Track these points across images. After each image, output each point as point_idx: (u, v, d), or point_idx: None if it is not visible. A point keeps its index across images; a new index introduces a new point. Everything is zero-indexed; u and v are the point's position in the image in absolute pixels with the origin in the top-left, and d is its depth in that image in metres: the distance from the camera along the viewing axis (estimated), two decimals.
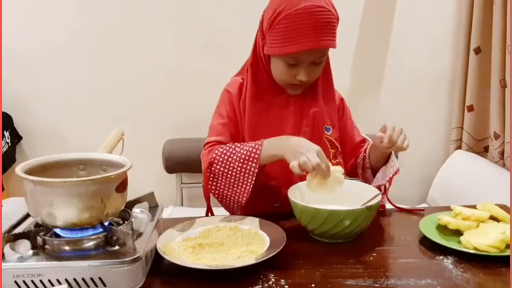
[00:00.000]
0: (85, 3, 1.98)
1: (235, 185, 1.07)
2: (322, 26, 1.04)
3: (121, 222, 0.90)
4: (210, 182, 1.09)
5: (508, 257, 0.86)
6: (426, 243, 0.96)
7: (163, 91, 2.08)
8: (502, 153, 1.87)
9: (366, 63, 2.12)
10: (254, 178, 1.05)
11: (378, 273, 0.84)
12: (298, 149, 0.99)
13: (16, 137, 2.06)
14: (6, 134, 1.97)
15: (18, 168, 0.81)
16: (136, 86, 2.07)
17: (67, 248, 0.80)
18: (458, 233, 0.96)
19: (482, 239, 0.89)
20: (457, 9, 2.07)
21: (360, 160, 1.24)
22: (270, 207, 1.16)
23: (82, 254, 0.79)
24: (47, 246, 0.81)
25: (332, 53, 1.14)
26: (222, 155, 1.07)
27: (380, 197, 1.00)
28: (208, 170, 1.08)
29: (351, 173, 1.28)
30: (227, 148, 1.08)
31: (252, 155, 1.04)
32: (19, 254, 0.78)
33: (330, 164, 1.00)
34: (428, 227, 1.00)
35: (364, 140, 1.30)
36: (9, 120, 2.03)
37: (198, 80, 2.06)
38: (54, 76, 2.04)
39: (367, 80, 2.15)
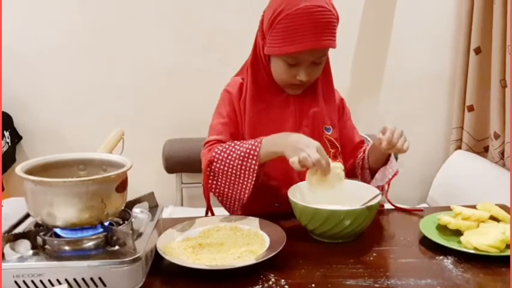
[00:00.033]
0: (85, 3, 1.98)
1: (236, 183, 1.07)
2: (322, 26, 1.05)
3: (121, 222, 0.90)
4: (210, 181, 1.09)
5: (508, 257, 0.86)
6: (426, 243, 0.96)
7: (163, 91, 2.08)
8: (502, 153, 1.87)
9: (366, 63, 2.12)
10: (254, 175, 1.04)
11: (378, 273, 0.84)
12: (298, 145, 0.99)
13: (16, 137, 2.06)
14: (6, 134, 1.97)
15: (18, 168, 0.81)
16: (136, 86, 2.07)
17: (67, 248, 0.80)
18: (458, 233, 0.96)
19: (482, 239, 0.89)
20: (457, 9, 2.07)
21: (359, 161, 1.24)
22: (270, 207, 1.16)
23: (82, 254, 0.79)
24: (47, 246, 0.81)
25: (332, 53, 1.14)
26: (222, 153, 1.07)
27: (380, 197, 1.00)
28: (208, 169, 1.08)
29: (350, 173, 1.28)
30: (226, 146, 1.08)
31: (252, 152, 1.04)
32: (19, 254, 0.78)
33: (330, 160, 1.00)
34: (428, 227, 0.99)
35: (363, 141, 1.30)
36: (9, 120, 2.03)
37: (198, 80, 2.06)
38: (54, 76, 2.04)
39: (367, 80, 2.15)
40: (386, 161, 1.16)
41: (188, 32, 2.03)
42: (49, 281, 0.75)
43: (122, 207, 0.87)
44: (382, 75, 2.14)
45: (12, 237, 0.80)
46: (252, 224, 0.99)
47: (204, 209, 1.15)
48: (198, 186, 1.91)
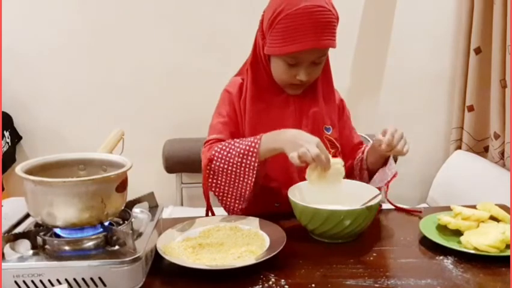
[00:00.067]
0: (85, 3, 1.98)
1: (236, 181, 1.07)
2: (322, 26, 1.05)
3: (121, 222, 0.90)
4: (210, 180, 1.09)
5: (508, 257, 0.86)
6: (426, 243, 0.96)
7: (163, 91, 2.08)
8: (502, 153, 1.87)
9: (366, 63, 2.12)
10: (255, 173, 1.04)
11: (378, 273, 0.84)
12: (297, 141, 0.98)
13: (16, 137, 2.06)
14: (6, 134, 1.97)
15: (18, 168, 0.81)
16: (136, 86, 2.07)
17: (67, 248, 0.80)
18: (458, 233, 0.96)
19: (482, 239, 0.89)
20: (457, 9, 2.07)
21: (358, 162, 1.23)
22: (270, 207, 1.16)
23: (82, 254, 0.79)
24: (47, 246, 0.81)
25: (332, 53, 1.14)
26: (222, 151, 1.07)
27: (380, 197, 1.00)
28: (208, 167, 1.08)
29: (348, 174, 1.28)
30: (226, 144, 1.08)
31: (251, 149, 1.04)
32: (19, 254, 0.78)
33: (330, 155, 1.00)
34: (428, 227, 0.99)
35: (362, 142, 1.30)
36: (9, 120, 2.03)
37: (198, 80, 2.06)
38: (54, 76, 2.04)
39: (367, 80, 2.15)
40: (384, 162, 1.16)
41: (188, 32, 2.03)
42: (49, 281, 0.75)
43: (122, 207, 0.87)
44: (382, 75, 2.14)
45: (12, 237, 0.80)
46: (252, 224, 0.99)
47: (204, 209, 1.15)
48: (198, 186, 1.91)
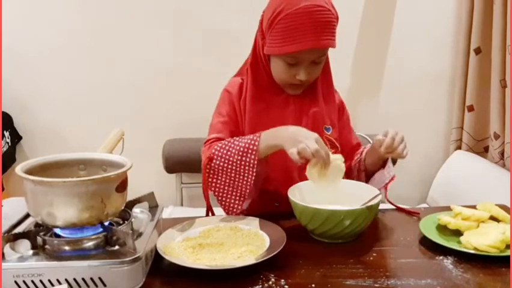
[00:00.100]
0: (85, 3, 1.98)
1: (236, 180, 1.06)
2: (322, 26, 1.05)
3: (121, 222, 0.90)
4: (209, 179, 1.08)
5: (508, 257, 0.86)
6: (426, 243, 0.96)
7: (163, 91, 2.08)
8: (502, 154, 1.87)
9: (366, 63, 2.12)
10: (255, 171, 1.04)
11: (378, 273, 0.84)
12: (296, 137, 0.98)
13: (16, 137, 2.06)
14: (6, 134, 1.97)
15: (18, 168, 0.81)
16: (136, 86, 2.07)
17: (67, 248, 0.80)
18: (458, 233, 0.96)
19: (482, 239, 0.89)
20: (457, 9, 2.07)
21: (356, 163, 1.23)
22: (270, 207, 1.16)
23: (82, 254, 0.79)
24: (47, 246, 0.81)
25: (331, 53, 1.14)
26: (221, 150, 1.07)
27: (380, 197, 1.00)
28: (208, 166, 1.08)
29: (346, 176, 1.28)
30: (226, 143, 1.08)
31: (251, 147, 1.04)
32: (19, 254, 0.78)
33: (329, 152, 0.99)
34: (428, 227, 0.99)
35: (360, 144, 1.30)
36: (9, 120, 2.03)
37: (198, 80, 2.06)
38: (54, 76, 2.04)
39: (367, 80, 2.15)
40: (383, 165, 1.16)
41: (188, 32, 2.03)
42: (49, 281, 0.75)
43: (122, 207, 0.87)
44: (382, 75, 2.14)
45: (12, 237, 0.80)
46: (252, 224, 0.99)
47: (204, 209, 1.15)
48: (197, 186, 1.91)
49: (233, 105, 1.19)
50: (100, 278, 0.75)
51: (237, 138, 1.08)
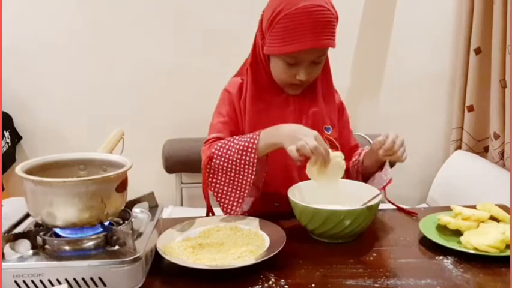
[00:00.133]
0: (85, 3, 1.98)
1: (235, 179, 1.06)
2: (321, 25, 1.05)
3: (121, 222, 0.90)
4: (209, 179, 1.08)
5: (508, 257, 0.86)
6: (426, 243, 0.96)
7: (163, 91, 2.08)
8: (502, 154, 1.87)
9: (366, 63, 2.12)
10: (254, 170, 1.04)
11: (378, 273, 0.84)
12: (295, 135, 0.98)
13: (16, 137, 2.06)
14: (6, 134, 1.97)
15: (18, 168, 0.81)
16: (136, 86, 2.07)
17: (67, 247, 0.80)
18: (458, 233, 0.96)
19: (482, 239, 0.89)
20: (457, 9, 2.07)
21: (354, 164, 1.23)
22: (270, 207, 1.16)
23: (82, 254, 0.79)
24: (47, 246, 0.81)
25: (331, 52, 1.14)
26: (221, 149, 1.07)
27: (380, 197, 1.00)
28: (208, 166, 1.08)
29: (344, 176, 1.28)
30: (226, 142, 1.08)
31: (250, 145, 1.04)
32: (19, 254, 0.78)
33: (329, 149, 0.99)
34: (428, 227, 0.99)
35: (358, 146, 1.31)
36: (9, 120, 2.03)
37: (198, 80, 2.06)
38: (54, 76, 2.04)
39: (367, 80, 2.15)
40: (380, 167, 1.16)
41: (188, 32, 2.03)
42: (49, 280, 0.75)
43: (122, 207, 0.87)
44: (382, 75, 2.14)
45: (12, 237, 0.80)
46: (252, 224, 0.99)
47: (204, 209, 1.15)
48: (197, 186, 1.91)
49: (233, 105, 1.19)
50: (100, 278, 0.75)
51: (237, 137, 1.08)
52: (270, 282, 0.81)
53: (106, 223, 0.84)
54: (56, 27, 2.00)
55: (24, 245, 0.80)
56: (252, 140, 1.04)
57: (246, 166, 1.04)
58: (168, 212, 1.99)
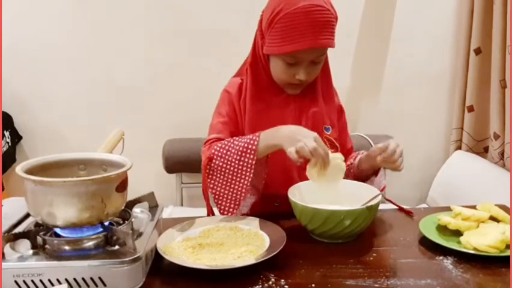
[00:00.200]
0: (85, 3, 1.98)
1: (233, 180, 1.06)
2: (321, 25, 1.05)
3: (121, 222, 0.90)
4: (208, 179, 1.08)
5: (508, 257, 0.86)
6: (426, 243, 0.96)
7: (163, 91, 2.08)
8: (502, 154, 1.87)
9: (366, 63, 2.12)
10: (252, 172, 1.03)
11: (378, 273, 0.84)
12: (295, 136, 0.98)
13: (16, 137, 2.06)
14: (6, 133, 1.97)
15: (19, 168, 0.81)
16: (136, 85, 2.07)
17: (66, 247, 0.80)
18: (458, 233, 0.96)
19: (482, 239, 0.89)
20: (457, 10, 2.07)
21: (348, 168, 1.23)
22: (270, 207, 1.16)
23: (82, 254, 0.79)
24: (47, 246, 0.81)
25: (331, 52, 1.14)
26: (221, 150, 1.07)
27: (380, 197, 1.00)
28: (208, 166, 1.08)
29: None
30: (225, 143, 1.08)
31: (250, 146, 1.04)
32: (19, 254, 0.78)
33: (328, 151, 0.99)
34: (428, 227, 0.99)
35: (352, 149, 1.31)
36: (9, 120, 2.03)
37: (198, 80, 2.06)
38: (54, 76, 2.04)
39: (367, 80, 2.15)
40: (374, 173, 1.17)
41: (188, 32, 2.03)
42: (49, 280, 0.75)
43: (122, 207, 0.87)
44: (382, 75, 2.14)
45: (12, 237, 0.80)
46: (252, 224, 0.99)
47: (204, 209, 1.15)
48: (197, 186, 1.91)
49: (233, 105, 1.19)
50: (100, 278, 0.75)
51: (237, 138, 1.08)
52: (270, 282, 0.81)
53: (106, 223, 0.84)
54: (56, 27, 2.00)
55: (24, 245, 0.80)
56: (251, 142, 1.04)
57: (244, 168, 1.04)
58: (168, 212, 1.99)
